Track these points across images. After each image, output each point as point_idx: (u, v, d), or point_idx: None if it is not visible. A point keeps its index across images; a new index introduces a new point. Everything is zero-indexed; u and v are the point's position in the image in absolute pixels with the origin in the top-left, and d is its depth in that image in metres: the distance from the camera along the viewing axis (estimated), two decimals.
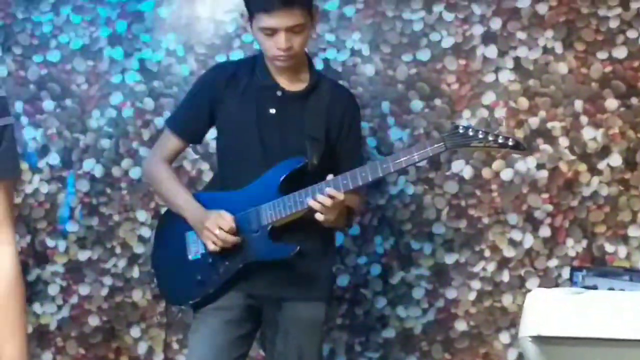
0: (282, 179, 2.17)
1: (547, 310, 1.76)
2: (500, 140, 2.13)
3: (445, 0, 2.60)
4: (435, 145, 2.12)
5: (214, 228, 2.15)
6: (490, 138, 2.12)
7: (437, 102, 2.61)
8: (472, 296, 2.60)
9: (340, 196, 2.05)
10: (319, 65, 2.57)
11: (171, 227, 2.33)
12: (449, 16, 2.60)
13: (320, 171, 2.19)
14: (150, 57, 2.70)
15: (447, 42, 2.61)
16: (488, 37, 2.61)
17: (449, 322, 2.63)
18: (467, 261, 2.63)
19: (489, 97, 2.59)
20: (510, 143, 2.12)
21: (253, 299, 2.25)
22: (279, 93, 2.23)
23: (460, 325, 2.60)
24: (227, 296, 2.23)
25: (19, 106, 2.64)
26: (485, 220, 2.60)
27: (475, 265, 2.61)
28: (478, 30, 2.61)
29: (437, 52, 2.63)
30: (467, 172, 2.59)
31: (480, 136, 2.11)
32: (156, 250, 2.44)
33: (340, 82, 2.56)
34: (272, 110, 2.25)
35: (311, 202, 2.10)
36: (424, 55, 2.62)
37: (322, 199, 2.06)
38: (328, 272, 2.37)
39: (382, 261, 2.67)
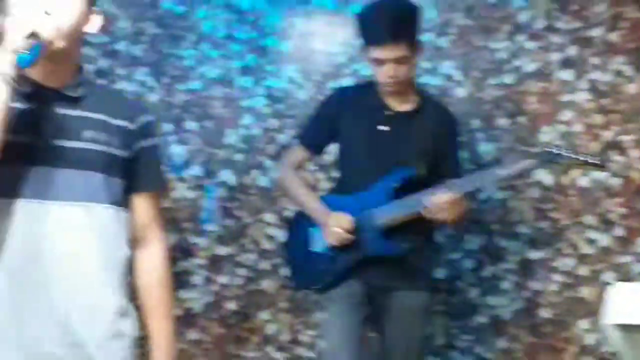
0: (394, 186, 2.44)
1: (628, 301, 2.04)
2: (586, 160, 2.39)
3: (527, 32, 2.92)
4: (530, 161, 2.41)
5: (336, 227, 2.43)
6: (574, 156, 2.38)
7: (520, 119, 2.92)
8: (555, 287, 2.91)
9: (459, 197, 2.31)
10: None
11: (300, 224, 2.62)
12: (530, 45, 2.93)
13: (425, 181, 2.45)
14: (275, 84, 3.10)
15: (529, 68, 2.93)
16: (565, 63, 2.91)
17: (534, 310, 2.93)
18: (550, 257, 2.92)
19: (565, 115, 2.90)
20: (591, 161, 2.39)
21: (367, 287, 2.50)
22: (389, 113, 2.50)
23: (544, 313, 2.91)
24: (348, 284, 2.48)
25: (167, 127, 3.09)
26: (565, 222, 2.90)
27: (555, 261, 2.91)
28: (556, 57, 2.92)
29: (520, 76, 2.94)
30: (548, 180, 2.90)
31: (568, 155, 2.36)
32: (288, 243, 2.74)
33: None
34: (383, 128, 2.50)
35: (434, 200, 2.32)
36: (508, 79, 2.94)
37: (441, 198, 2.29)
38: (430, 266, 2.64)
39: (474, 257, 2.98)
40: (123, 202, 1.66)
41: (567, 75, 2.93)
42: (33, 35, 1.43)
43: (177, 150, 3.11)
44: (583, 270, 2.92)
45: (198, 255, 3.17)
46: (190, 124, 3.15)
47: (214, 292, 3.17)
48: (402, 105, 2.51)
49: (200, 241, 3.17)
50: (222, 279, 3.16)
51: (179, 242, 3.13)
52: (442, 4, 3.03)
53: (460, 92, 2.99)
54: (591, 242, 2.91)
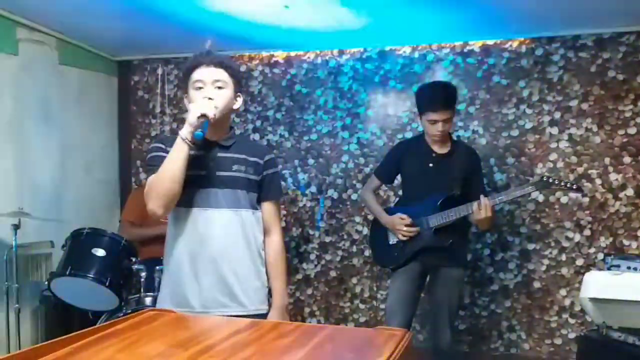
0: (440, 201, 3.01)
1: (599, 282, 2.66)
2: (569, 185, 2.94)
3: (527, 102, 3.87)
4: (530, 187, 2.95)
5: (401, 226, 3.06)
6: (563, 184, 2.93)
7: (522, 159, 3.88)
8: (543, 268, 3.86)
9: (490, 205, 2.83)
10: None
11: (378, 226, 3.23)
12: (529, 110, 3.88)
13: (459, 199, 2.97)
14: (363, 136, 4.20)
15: (528, 125, 3.87)
16: (553, 123, 3.84)
17: (530, 282, 3.89)
18: (541, 248, 3.86)
19: (553, 156, 3.84)
20: (574, 187, 2.95)
21: (424, 266, 3.08)
22: (434, 155, 3.06)
23: (537, 284, 3.86)
24: (411, 264, 3.07)
25: (296, 162, 4.29)
26: (552, 225, 3.85)
27: (545, 251, 3.86)
28: (547, 118, 3.85)
29: (522, 131, 3.89)
30: (540, 198, 3.85)
31: (557, 182, 2.92)
32: (371, 238, 3.37)
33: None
34: (430, 165, 3.06)
35: (475, 207, 2.83)
36: (514, 133, 3.90)
37: (482, 205, 2.81)
38: (464, 252, 3.28)
39: (490, 247, 3.96)
40: (257, 207, 2.14)
41: (553, 130, 3.85)
42: (203, 116, 1.91)
43: (301, 177, 4.30)
44: (563, 257, 3.83)
45: (313, 242, 4.30)
46: (310, 161, 4.30)
47: (322, 265, 4.27)
48: (441, 149, 3.07)
49: (315, 233, 4.29)
50: (328, 257, 4.28)
51: (301, 233, 4.30)
52: (471, 85, 3.99)
53: (482, 141, 3.96)
54: (568, 239, 3.82)
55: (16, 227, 3.13)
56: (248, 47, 4.31)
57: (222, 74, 2.08)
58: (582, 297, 2.68)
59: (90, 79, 4.42)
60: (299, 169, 4.35)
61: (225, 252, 2.06)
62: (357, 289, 4.25)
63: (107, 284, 3.05)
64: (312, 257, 4.34)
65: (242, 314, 2.09)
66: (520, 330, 3.96)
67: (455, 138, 3.26)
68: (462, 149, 3.15)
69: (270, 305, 2.21)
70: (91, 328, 1.35)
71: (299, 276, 4.35)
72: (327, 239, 4.32)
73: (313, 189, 4.34)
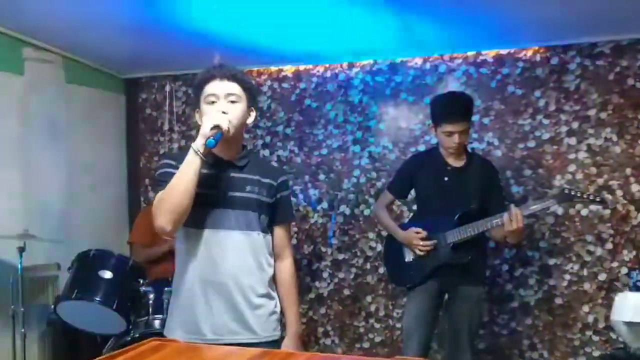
0: (457, 216, 2.93)
1: (634, 305, 2.58)
2: (591, 198, 2.86)
3: (543, 112, 3.77)
4: (551, 201, 2.88)
5: (417, 241, 2.96)
6: (585, 196, 2.83)
7: (540, 171, 3.77)
8: (565, 284, 3.73)
9: (521, 215, 2.72)
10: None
11: (393, 243, 3.14)
12: (545, 121, 3.78)
13: (477, 214, 2.87)
14: (374, 150, 4.12)
15: (545, 136, 3.77)
16: (571, 133, 3.72)
17: (551, 298, 3.75)
18: (562, 263, 3.74)
19: (571, 167, 3.72)
20: (598, 199, 2.87)
21: (441, 284, 2.99)
22: (449, 168, 2.99)
23: (558, 300, 3.73)
24: (428, 283, 2.98)
25: (307, 177, 4.22)
26: (572, 239, 3.71)
27: (566, 266, 3.73)
28: (564, 128, 3.73)
29: (539, 142, 3.78)
30: (560, 211, 3.73)
31: (579, 195, 2.83)
32: (386, 256, 3.30)
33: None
34: (446, 179, 2.99)
35: (506, 218, 2.71)
36: (531, 144, 3.80)
37: (513, 215, 2.69)
38: (484, 268, 3.19)
39: (509, 262, 3.85)
40: (268, 230, 2.10)
41: (571, 141, 3.72)
42: (216, 127, 1.87)
43: (312, 192, 4.23)
44: (584, 272, 3.70)
45: (325, 259, 4.21)
46: (321, 176, 4.23)
47: (335, 283, 4.18)
48: (456, 162, 3.00)
49: (327, 250, 4.20)
50: (341, 275, 4.18)
51: (313, 250, 4.22)
52: (485, 95, 3.87)
53: (498, 152, 3.85)
54: (590, 253, 3.69)
55: (22, 249, 3.07)
56: (256, 62, 4.25)
57: (235, 88, 2.03)
58: (616, 319, 2.59)
59: (98, 97, 4.39)
60: (309, 185, 4.29)
61: (236, 276, 2.01)
62: (372, 308, 4.15)
63: (114, 307, 2.99)
64: (325, 275, 4.25)
65: (253, 342, 2.02)
66: (542, 349, 3.83)
67: (470, 150, 3.20)
68: (478, 161, 3.09)
69: (283, 331, 2.15)
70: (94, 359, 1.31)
71: (312, 295, 4.26)
72: (340, 257, 4.23)
73: (324, 205, 4.26)
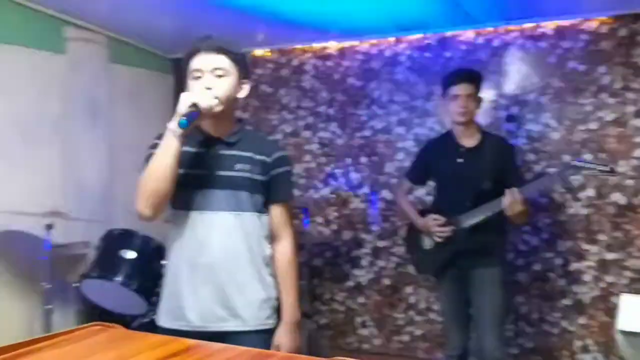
0: (470, 198, 2.85)
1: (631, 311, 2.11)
2: (600, 168, 2.68)
3: (608, 91, 3.43)
4: (553, 177, 2.84)
5: (435, 227, 2.92)
6: (591, 167, 2.68)
7: (601, 155, 3.43)
8: (625, 281, 3.41)
9: (520, 198, 2.66)
10: (523, 135, 3.57)
11: (413, 231, 3.12)
12: (610, 100, 3.44)
13: (492, 193, 2.79)
14: (421, 132, 3.87)
15: (609, 117, 3.44)
16: (638, 114, 3.37)
17: (607, 296, 3.45)
18: (622, 258, 3.43)
19: (637, 152, 3.36)
20: (607, 169, 2.67)
21: (461, 270, 2.94)
22: (462, 149, 2.96)
23: (616, 300, 3.36)
24: (451, 271, 2.96)
25: (349, 161, 4.05)
26: (636, 232, 3.39)
27: (627, 261, 3.41)
28: (631, 109, 3.39)
29: (602, 124, 3.46)
30: (622, 200, 3.41)
31: (584, 166, 2.68)
32: (408, 245, 3.28)
33: (535, 144, 3.49)
34: (459, 160, 2.94)
35: (504, 202, 2.66)
36: (593, 125, 3.48)
37: (511, 197, 2.65)
38: (502, 251, 3.05)
39: (563, 255, 3.55)
40: (264, 210, 1.99)
41: (638, 123, 3.40)
42: (194, 105, 1.76)
43: (354, 176, 4.08)
44: None
45: (365, 246, 4.04)
46: (363, 159, 4.07)
47: (375, 272, 4.02)
48: (470, 142, 2.96)
49: (367, 237, 4.06)
50: (381, 263, 4.02)
51: (353, 237, 4.07)
52: (544, 71, 3.59)
53: (555, 135, 3.57)
54: None
55: (50, 227, 3.10)
56: (300, 39, 4.12)
57: (222, 61, 1.90)
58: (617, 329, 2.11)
59: (143, 77, 4.38)
60: (351, 168, 4.12)
61: (224, 259, 1.90)
62: (412, 299, 3.97)
63: (135, 287, 2.97)
64: (364, 263, 4.09)
65: (242, 330, 1.91)
66: (595, 352, 3.51)
67: (483, 129, 3.06)
68: (493, 140, 3.00)
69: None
70: (31, 339, 1.25)
71: (350, 283, 4.11)
72: (381, 244, 4.04)
73: (365, 189, 4.07)
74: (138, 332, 1.35)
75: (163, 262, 3.02)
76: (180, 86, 4.37)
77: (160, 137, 1.91)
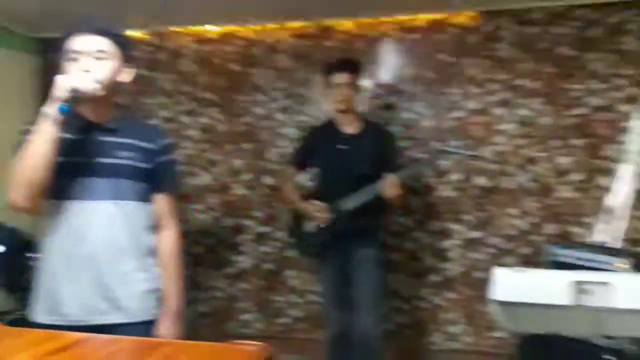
0: (350, 183, 2.95)
1: (507, 284, 2.02)
2: (468, 153, 2.95)
3: (473, 82, 3.57)
4: (423, 162, 3.07)
5: (314, 212, 3.01)
6: (461, 152, 2.91)
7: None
8: (488, 257, 3.60)
9: (396, 182, 2.79)
10: (398, 123, 3.64)
11: (296, 214, 3.14)
12: (475, 90, 3.59)
13: (371, 177, 2.91)
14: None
15: (474, 106, 3.60)
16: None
17: (471, 272, 3.64)
18: (484, 236, 3.61)
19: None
20: (472, 154, 2.97)
21: (342, 251, 3.01)
22: (343, 135, 3.03)
23: (480, 274, 3.57)
24: (331, 253, 3.04)
25: (229, 147, 3.97)
26: (496, 212, 3.57)
27: (488, 239, 3.60)
28: (493, 98, 3.57)
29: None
30: (485, 183, 3.59)
31: (452, 150, 2.90)
32: (289, 227, 3.26)
33: (409, 131, 3.58)
34: (341, 146, 3.01)
35: (383, 185, 2.79)
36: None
37: (388, 182, 2.79)
38: (380, 233, 3.18)
39: (432, 235, 3.69)
40: (147, 199, 1.95)
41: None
42: (72, 90, 1.66)
43: (236, 162, 3.98)
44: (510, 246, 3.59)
45: (247, 232, 4.03)
46: (245, 145, 3.97)
47: (257, 257, 4.02)
48: (351, 129, 3.06)
49: (249, 223, 4.02)
50: (263, 248, 4.02)
51: (234, 224, 4.04)
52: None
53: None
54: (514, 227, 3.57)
55: None
56: (178, 22, 4.02)
57: (102, 43, 1.83)
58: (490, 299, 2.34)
59: (4, 57, 4.03)
60: (232, 155, 4.07)
61: (105, 250, 1.85)
62: (294, 282, 4.02)
63: (2, 282, 2.76)
64: (246, 248, 4.08)
65: (125, 322, 1.86)
66: (463, 323, 3.75)
67: (365, 117, 3.15)
68: (375, 127, 3.13)
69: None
70: None
71: (232, 270, 4.07)
72: (263, 230, 4.06)
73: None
74: (14, 328, 1.27)
75: (32, 255, 2.86)
76: (44, 67, 4.19)
77: (32, 122, 1.78)
